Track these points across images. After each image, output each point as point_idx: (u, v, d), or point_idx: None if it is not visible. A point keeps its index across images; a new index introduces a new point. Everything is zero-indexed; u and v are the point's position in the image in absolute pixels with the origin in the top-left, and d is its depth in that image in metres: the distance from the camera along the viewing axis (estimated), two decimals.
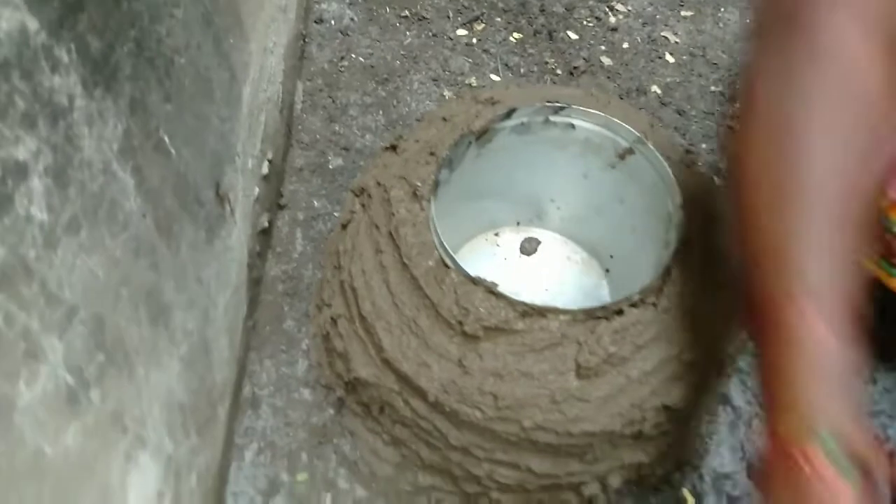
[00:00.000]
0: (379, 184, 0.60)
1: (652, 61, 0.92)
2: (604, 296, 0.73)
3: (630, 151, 0.61)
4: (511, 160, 0.67)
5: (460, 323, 0.51)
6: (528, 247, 0.77)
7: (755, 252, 0.41)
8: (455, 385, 0.52)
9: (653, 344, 0.52)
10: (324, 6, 0.96)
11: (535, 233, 0.78)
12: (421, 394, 0.53)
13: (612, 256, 0.73)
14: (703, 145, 0.85)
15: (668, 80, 0.91)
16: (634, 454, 0.56)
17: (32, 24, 0.30)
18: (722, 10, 0.99)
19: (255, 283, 0.69)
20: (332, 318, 0.61)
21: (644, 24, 0.96)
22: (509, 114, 0.61)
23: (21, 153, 0.29)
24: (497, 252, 0.77)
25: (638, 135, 0.59)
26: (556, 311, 0.51)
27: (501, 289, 0.52)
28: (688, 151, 0.62)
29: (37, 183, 0.30)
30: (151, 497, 0.45)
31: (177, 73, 0.47)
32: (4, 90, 0.28)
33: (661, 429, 0.55)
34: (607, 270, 0.75)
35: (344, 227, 0.63)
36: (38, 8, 0.30)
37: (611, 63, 0.92)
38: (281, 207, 0.76)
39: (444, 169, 0.59)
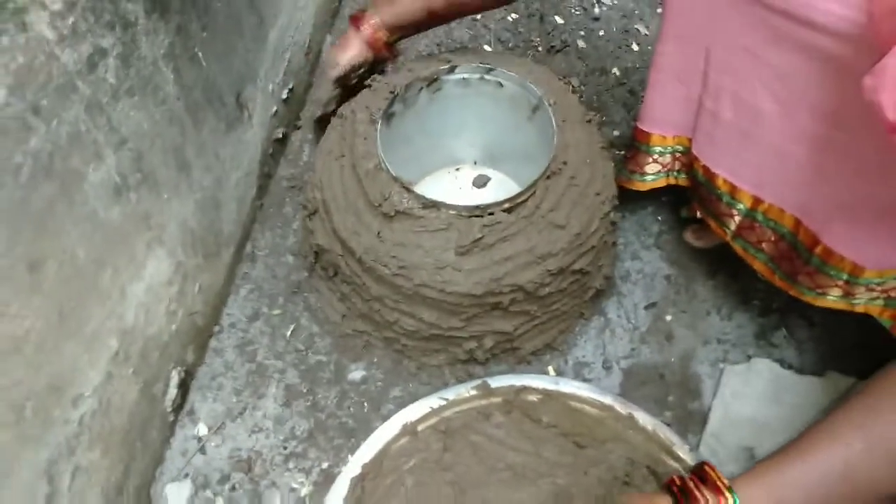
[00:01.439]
0: (353, 111, 0.83)
1: (619, 47, 1.10)
2: None
3: (538, 107, 0.81)
4: (460, 108, 0.88)
5: (381, 206, 0.74)
6: (479, 182, 0.98)
7: None
8: (373, 248, 0.75)
9: (511, 238, 0.73)
10: None
11: (488, 171, 0.99)
12: (353, 254, 0.77)
13: None
14: None
15: (629, 64, 1.09)
16: (501, 323, 0.78)
17: None
18: None
19: (267, 177, 0.95)
20: (308, 205, 0.86)
21: (623, 16, 1.14)
22: (452, 69, 0.82)
23: (104, 42, 0.54)
24: (455, 183, 0.99)
25: (540, 94, 0.79)
26: (446, 206, 0.73)
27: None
28: (591, 110, 0.82)
29: (111, 61, 0.56)
30: (163, 280, 0.71)
31: (213, 12, 0.71)
32: (98, 7, 0.53)
33: (519, 305, 0.76)
34: None
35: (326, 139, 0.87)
36: None
37: (584, 46, 1.11)
38: (297, 127, 1.01)
39: (397, 103, 0.81)
